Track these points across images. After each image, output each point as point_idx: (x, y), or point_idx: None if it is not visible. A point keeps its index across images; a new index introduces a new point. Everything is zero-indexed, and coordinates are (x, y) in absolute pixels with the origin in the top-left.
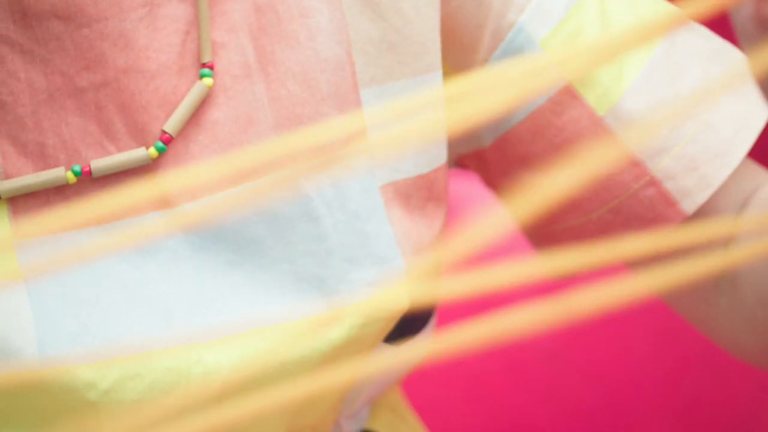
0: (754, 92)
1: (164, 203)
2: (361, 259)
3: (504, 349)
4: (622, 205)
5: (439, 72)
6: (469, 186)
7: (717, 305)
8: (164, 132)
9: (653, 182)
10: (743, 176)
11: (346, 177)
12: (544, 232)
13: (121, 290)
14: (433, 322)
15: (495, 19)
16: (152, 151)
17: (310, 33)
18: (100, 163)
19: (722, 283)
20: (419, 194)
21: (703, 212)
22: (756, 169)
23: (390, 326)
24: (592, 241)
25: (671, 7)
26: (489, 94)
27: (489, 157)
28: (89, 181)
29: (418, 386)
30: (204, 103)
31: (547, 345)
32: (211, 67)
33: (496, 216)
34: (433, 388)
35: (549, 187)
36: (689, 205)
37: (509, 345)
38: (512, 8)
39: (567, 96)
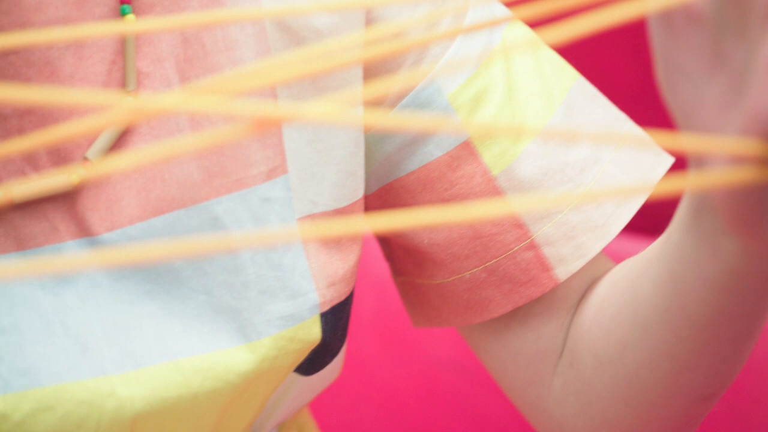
0: (640, 167)
1: (84, 231)
2: (277, 292)
3: (412, 365)
4: (499, 265)
5: (361, 107)
6: None
7: (550, 387)
8: (86, 159)
9: (532, 246)
10: (603, 258)
11: (265, 209)
12: (413, 284)
13: (37, 318)
14: (343, 352)
15: (410, 65)
16: (74, 178)
17: (235, 64)
18: (21, 189)
19: (561, 366)
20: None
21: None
22: (608, 258)
23: (302, 358)
24: (459, 299)
25: (574, 72)
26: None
27: (370, 202)
28: (10, 207)
29: (327, 405)
30: (127, 131)
31: (455, 358)
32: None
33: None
34: (342, 407)
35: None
36: (563, 273)
37: (417, 360)
38: (426, 59)
39: (465, 151)
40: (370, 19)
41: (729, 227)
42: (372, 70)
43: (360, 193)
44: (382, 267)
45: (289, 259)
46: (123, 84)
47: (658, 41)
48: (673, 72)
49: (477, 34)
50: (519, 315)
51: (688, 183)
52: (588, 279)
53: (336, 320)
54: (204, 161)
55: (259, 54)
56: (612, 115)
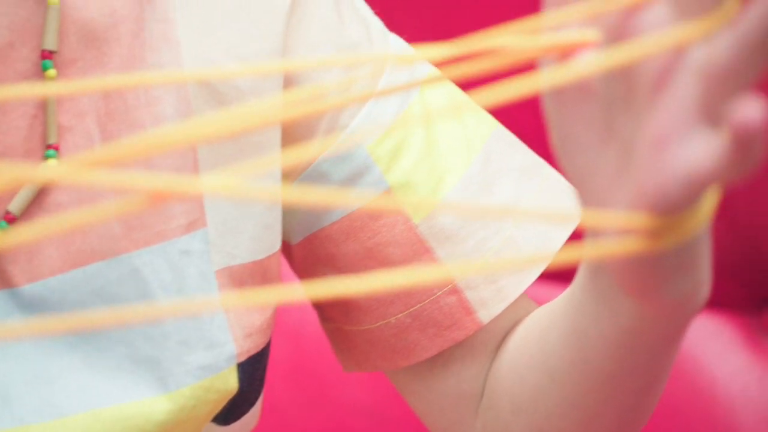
0: (560, 210)
1: (4, 282)
2: (195, 343)
3: (328, 412)
4: (423, 309)
5: (278, 171)
6: None
7: (473, 428)
8: (8, 212)
9: (455, 290)
10: (525, 300)
11: (183, 261)
12: (340, 330)
13: None
14: (260, 401)
15: (329, 120)
16: None
17: (156, 120)
18: None
19: (482, 408)
20: (253, 280)
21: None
22: (530, 300)
23: (219, 407)
24: (386, 344)
25: (493, 120)
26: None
27: (294, 252)
28: None
29: None
30: (48, 184)
31: (370, 404)
32: (57, 149)
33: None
34: None
35: (353, 286)
36: (485, 315)
37: (333, 407)
38: (346, 112)
39: (386, 201)
40: (289, 80)
41: (623, 291)
42: (290, 132)
43: (277, 246)
44: (297, 314)
45: (207, 311)
46: (44, 138)
47: (550, 112)
48: (567, 142)
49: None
50: (442, 359)
51: (583, 252)
52: (509, 322)
53: (253, 370)
54: (125, 216)
55: (179, 111)
56: (530, 161)
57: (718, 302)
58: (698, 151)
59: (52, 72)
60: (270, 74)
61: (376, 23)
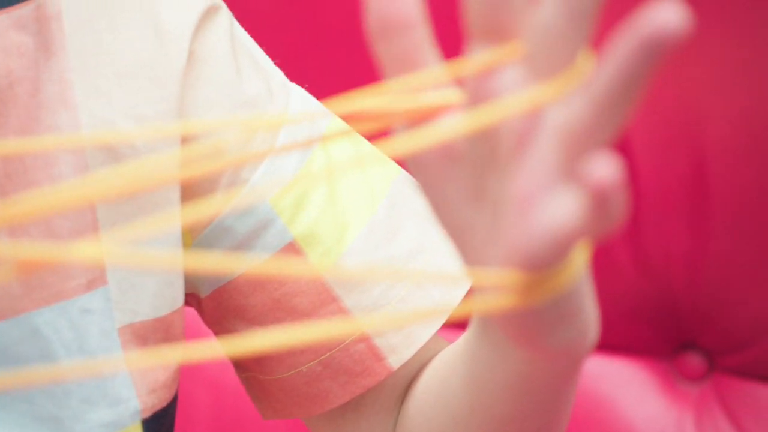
0: (453, 268)
1: None
2: (98, 400)
3: None
4: (333, 358)
5: (178, 229)
6: None
7: None
8: None
9: (364, 338)
10: (434, 340)
11: (85, 319)
12: (254, 380)
13: None
14: None
15: (230, 175)
16: None
17: (53, 181)
18: None
19: None
20: (156, 336)
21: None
22: (439, 338)
23: None
24: (299, 392)
25: (396, 166)
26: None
27: (205, 305)
28: None
29: None
30: None
31: None
32: None
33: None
34: None
35: (262, 338)
36: (396, 361)
37: None
38: (246, 167)
39: (291, 252)
40: (186, 140)
41: (509, 340)
42: (190, 189)
43: (180, 301)
44: (213, 363)
45: (108, 368)
46: None
47: (418, 177)
48: (440, 204)
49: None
50: (353, 404)
51: (469, 305)
52: (417, 364)
53: (158, 426)
54: (25, 273)
55: (77, 170)
56: None
57: (633, 348)
58: (561, 210)
59: None
60: (167, 135)
61: (277, 75)
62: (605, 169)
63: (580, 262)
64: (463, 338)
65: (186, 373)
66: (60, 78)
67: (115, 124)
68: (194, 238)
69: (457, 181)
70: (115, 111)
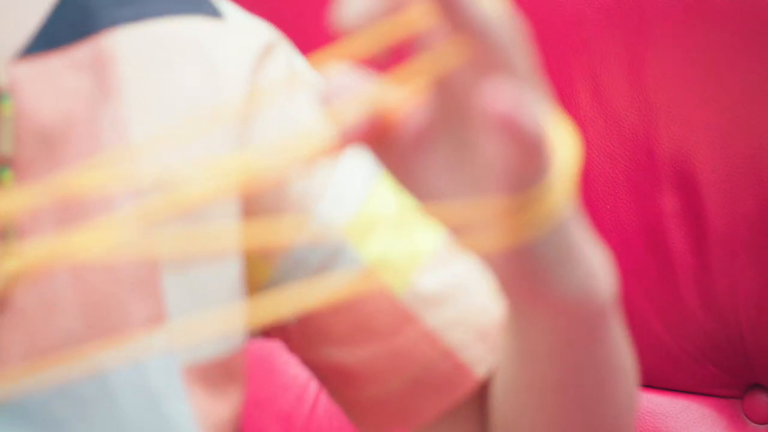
0: None
1: None
2: None
3: None
4: (420, 375)
5: (236, 261)
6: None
7: None
8: None
9: (448, 353)
10: None
11: (147, 359)
12: (350, 400)
13: None
14: None
15: (295, 209)
16: None
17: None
18: None
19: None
20: (219, 375)
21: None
22: None
23: None
24: (393, 409)
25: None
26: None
27: (292, 332)
28: None
29: None
30: (9, 284)
31: None
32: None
33: None
34: None
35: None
36: (482, 370)
37: None
38: (311, 197)
39: (366, 276)
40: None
41: (520, 301)
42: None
43: (241, 341)
44: (285, 399)
45: (172, 408)
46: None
47: (395, 174)
48: (422, 188)
49: (357, 167)
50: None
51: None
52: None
53: None
54: (86, 314)
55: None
56: None
57: (701, 388)
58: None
59: (9, 175)
60: (225, 177)
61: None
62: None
63: (562, 188)
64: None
65: (256, 407)
66: (118, 121)
67: (174, 167)
68: (271, 270)
69: (436, 161)
70: (174, 154)
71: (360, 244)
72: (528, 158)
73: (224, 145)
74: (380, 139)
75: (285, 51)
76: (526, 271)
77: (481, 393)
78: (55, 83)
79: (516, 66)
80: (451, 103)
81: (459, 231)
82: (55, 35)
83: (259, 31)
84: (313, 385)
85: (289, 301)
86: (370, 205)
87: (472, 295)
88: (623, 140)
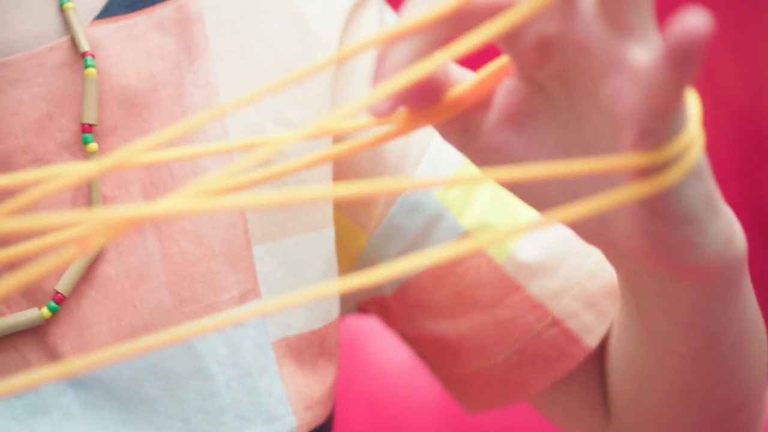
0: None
1: (55, 361)
2: (253, 416)
3: None
4: (527, 346)
5: (331, 229)
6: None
7: (606, 429)
8: (56, 292)
9: (555, 322)
10: None
11: (239, 334)
12: (453, 375)
13: None
14: None
15: (390, 173)
16: (45, 312)
17: None
18: None
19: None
20: (311, 350)
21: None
22: None
23: None
24: (499, 383)
25: None
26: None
27: (390, 304)
28: None
29: None
30: (96, 258)
31: None
32: None
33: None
34: None
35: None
36: (592, 339)
37: None
38: (408, 162)
39: (465, 243)
40: (338, 137)
41: (664, 269)
42: (343, 175)
43: (335, 314)
44: (371, 381)
45: (264, 384)
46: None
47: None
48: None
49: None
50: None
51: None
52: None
53: None
54: (175, 287)
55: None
56: None
57: None
58: (648, 55)
59: (93, 146)
60: (318, 138)
61: None
62: (695, 21)
63: (694, 127)
64: (622, 298)
65: (342, 389)
66: (205, 82)
67: (264, 129)
68: (367, 238)
69: (543, 137)
70: (262, 116)
71: (459, 211)
72: (682, 90)
73: (317, 107)
74: (461, 122)
75: (377, 6)
76: (673, 226)
77: (596, 361)
78: (138, 44)
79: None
80: (556, 69)
81: (589, 192)
82: None
83: None
84: (401, 367)
85: (385, 270)
86: (468, 171)
87: (578, 261)
88: (732, 121)
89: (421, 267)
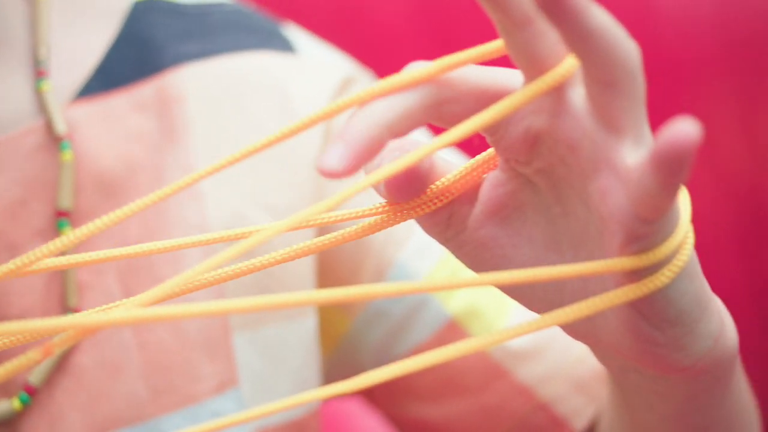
0: None
1: None
2: None
3: None
4: (514, 431)
5: (313, 318)
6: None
7: None
8: (27, 383)
9: (542, 407)
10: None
11: (216, 423)
12: None
13: None
14: None
15: (375, 257)
16: (16, 404)
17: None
18: None
19: None
20: None
21: None
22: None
23: None
24: None
25: None
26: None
27: (375, 387)
28: None
29: None
30: (70, 350)
31: None
32: (78, 311)
33: None
34: None
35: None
36: (580, 422)
37: None
38: (391, 245)
39: (452, 330)
40: (324, 229)
41: (652, 370)
42: (328, 277)
43: (316, 403)
44: None
45: None
46: (62, 296)
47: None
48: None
49: None
50: None
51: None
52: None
53: None
54: (151, 378)
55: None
56: None
57: None
58: (639, 156)
59: (68, 231)
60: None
61: (419, 135)
62: (686, 129)
63: (683, 231)
64: (609, 391)
65: None
66: (184, 165)
67: (245, 215)
68: (351, 321)
69: (531, 235)
70: (244, 201)
71: (445, 295)
72: (671, 197)
73: (301, 193)
74: (446, 219)
75: (365, 85)
76: (661, 328)
77: None
78: (116, 126)
79: (638, 94)
80: (543, 164)
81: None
82: (115, 73)
83: (335, 65)
84: None
85: (367, 378)
86: (453, 258)
87: (566, 345)
88: (731, 197)
89: (405, 371)
